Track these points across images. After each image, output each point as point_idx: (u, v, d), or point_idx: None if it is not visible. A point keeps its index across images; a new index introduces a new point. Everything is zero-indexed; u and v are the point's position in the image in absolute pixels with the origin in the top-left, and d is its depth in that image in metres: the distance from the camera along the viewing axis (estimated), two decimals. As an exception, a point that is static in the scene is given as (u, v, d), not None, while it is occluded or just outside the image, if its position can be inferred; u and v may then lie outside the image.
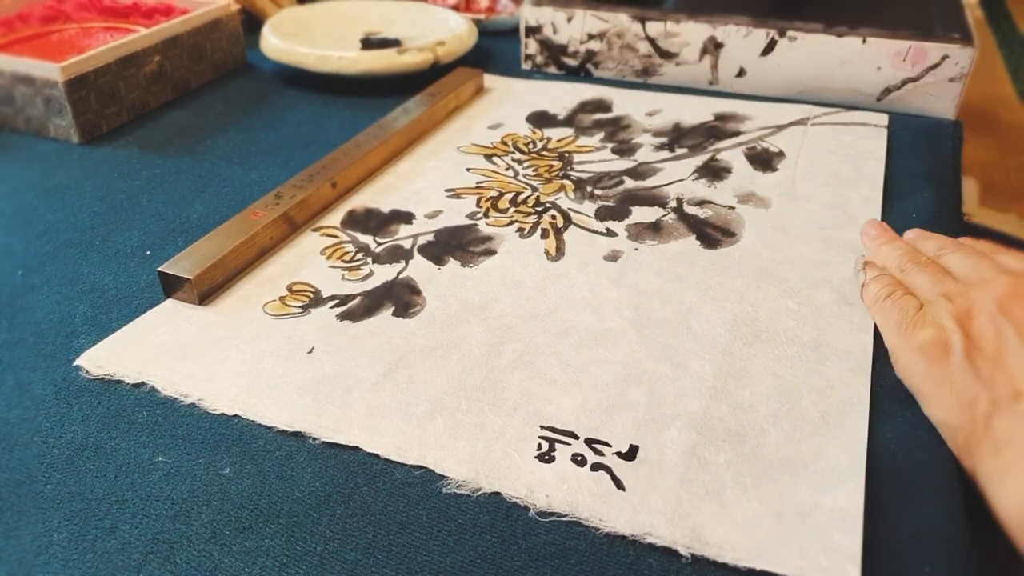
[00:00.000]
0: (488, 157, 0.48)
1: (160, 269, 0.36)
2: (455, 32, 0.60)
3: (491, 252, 0.39)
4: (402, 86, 0.57)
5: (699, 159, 0.47)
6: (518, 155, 0.48)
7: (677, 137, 0.50)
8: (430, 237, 0.40)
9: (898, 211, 0.42)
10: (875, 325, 0.34)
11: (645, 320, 0.34)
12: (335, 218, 0.42)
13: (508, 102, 0.55)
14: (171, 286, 0.36)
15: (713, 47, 0.56)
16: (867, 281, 0.35)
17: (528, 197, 0.44)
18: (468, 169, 0.47)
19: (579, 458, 0.28)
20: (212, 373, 0.32)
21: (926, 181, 0.45)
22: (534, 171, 0.47)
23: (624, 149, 0.49)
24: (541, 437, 0.29)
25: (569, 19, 0.58)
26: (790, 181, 0.45)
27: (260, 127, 0.53)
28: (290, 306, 0.36)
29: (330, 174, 0.43)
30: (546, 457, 0.28)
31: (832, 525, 0.25)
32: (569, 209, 0.43)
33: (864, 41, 0.52)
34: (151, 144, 0.51)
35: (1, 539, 0.26)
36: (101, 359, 0.33)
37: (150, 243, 0.41)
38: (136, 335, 0.34)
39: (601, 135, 0.51)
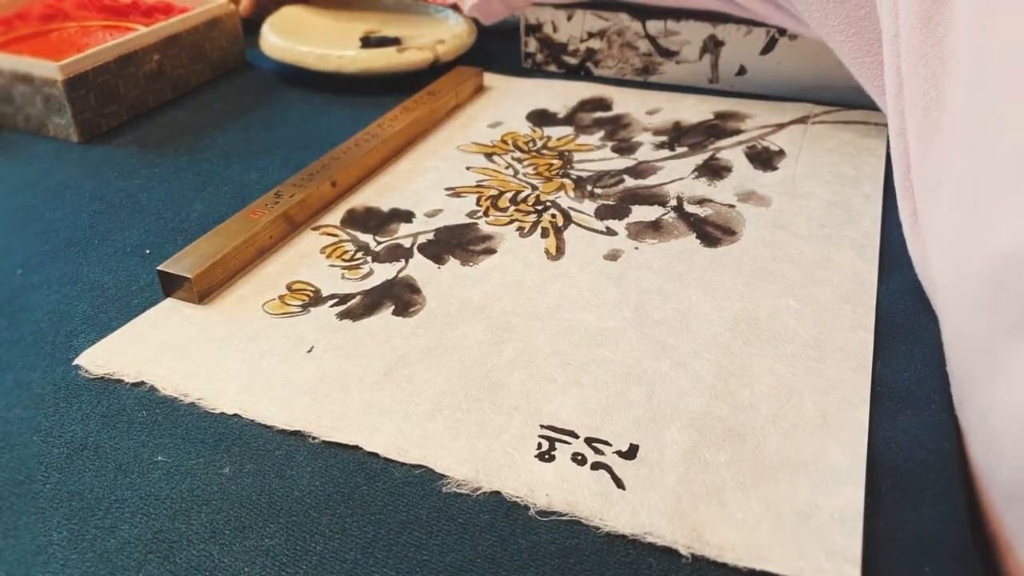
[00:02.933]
0: (488, 156, 0.48)
1: (160, 268, 0.36)
2: (455, 31, 0.60)
3: (491, 251, 0.39)
4: (402, 85, 0.57)
5: (699, 158, 0.47)
6: (518, 154, 0.48)
7: (677, 136, 0.50)
8: (430, 236, 0.40)
9: (898, 210, 0.42)
10: (875, 323, 0.34)
11: (645, 319, 0.34)
12: (335, 217, 0.42)
13: (508, 101, 0.55)
14: (171, 285, 0.36)
15: (713, 45, 0.56)
16: None
17: (528, 196, 0.44)
18: (468, 168, 0.47)
19: (579, 457, 0.28)
20: (212, 372, 0.32)
21: (927, 180, 0.45)
22: (534, 170, 0.47)
23: (624, 148, 0.49)
24: (541, 436, 0.29)
25: (569, 17, 0.58)
26: (790, 179, 0.45)
27: (259, 126, 0.53)
28: (290, 305, 0.35)
29: (330, 173, 0.43)
30: (546, 456, 0.28)
31: (832, 526, 0.25)
32: (569, 208, 0.43)
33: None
34: (150, 143, 0.51)
35: (0, 538, 0.26)
36: (100, 358, 0.33)
37: (150, 242, 0.41)
38: (136, 334, 0.34)
39: (601, 133, 0.51)
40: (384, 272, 0.38)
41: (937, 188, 0.31)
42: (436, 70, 0.57)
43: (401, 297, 0.36)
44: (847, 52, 0.43)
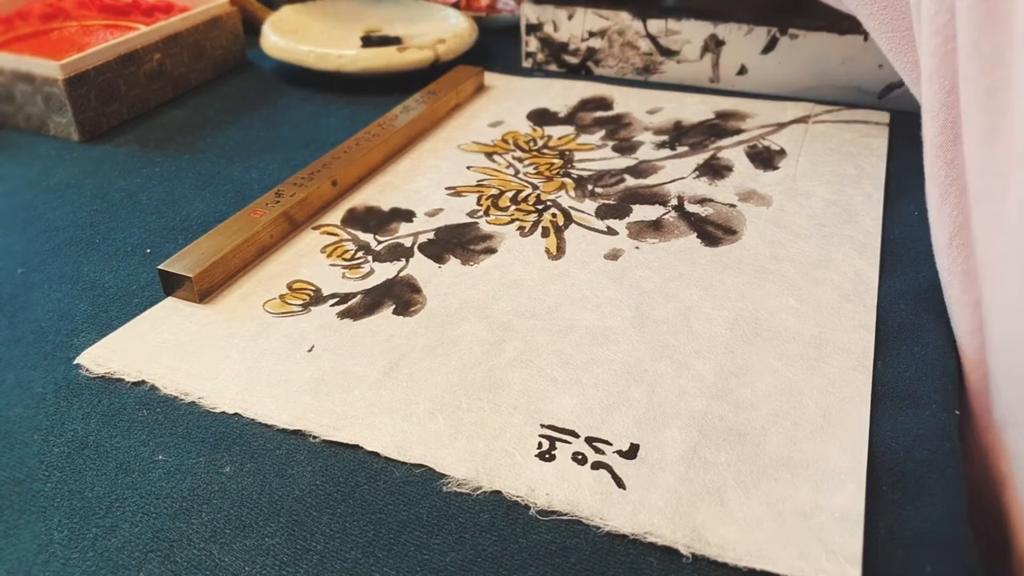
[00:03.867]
0: (489, 155, 0.48)
1: (160, 267, 0.36)
2: (456, 30, 0.60)
3: (491, 250, 0.39)
4: (402, 84, 0.57)
5: (700, 157, 0.47)
6: (519, 153, 0.48)
7: (678, 135, 0.50)
8: (430, 235, 0.40)
9: (899, 208, 0.42)
10: (876, 322, 0.33)
11: (646, 319, 0.34)
12: (335, 216, 0.42)
13: (509, 100, 0.55)
14: (171, 284, 0.36)
15: (714, 45, 0.55)
16: None
17: (529, 195, 0.44)
18: (468, 167, 0.47)
19: (580, 456, 0.28)
20: (212, 371, 0.32)
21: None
22: (535, 169, 0.47)
23: (625, 147, 0.49)
24: (542, 435, 0.28)
25: (570, 17, 0.58)
26: (791, 179, 0.45)
27: (260, 125, 0.53)
28: (290, 304, 0.35)
29: (330, 172, 0.43)
30: (546, 455, 0.28)
31: (833, 526, 0.25)
32: (570, 207, 0.43)
33: (866, 39, 0.51)
34: (151, 142, 0.51)
35: (1, 537, 0.26)
36: (101, 357, 0.33)
37: (150, 241, 0.41)
38: (136, 333, 0.34)
39: (602, 133, 0.51)
40: (385, 271, 0.38)
41: (1008, 169, 0.30)
42: (437, 69, 0.57)
43: (402, 296, 0.36)
44: (876, 26, 0.42)
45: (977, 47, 0.31)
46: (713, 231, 0.40)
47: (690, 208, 0.42)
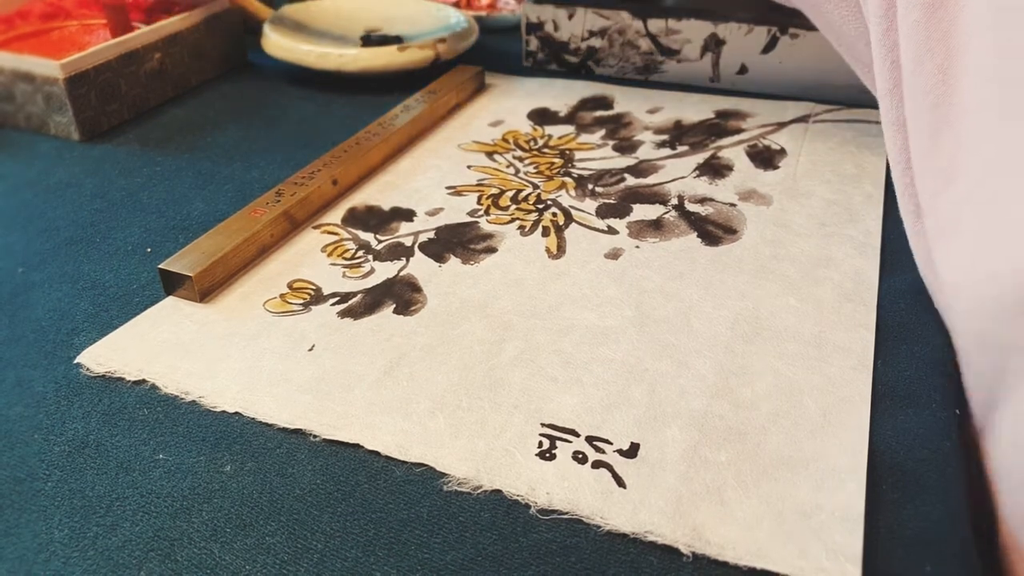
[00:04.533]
0: (489, 155, 0.48)
1: (161, 266, 0.36)
2: (456, 29, 0.60)
3: (492, 250, 0.39)
4: (403, 83, 0.57)
5: (700, 156, 0.47)
6: (519, 152, 0.48)
7: (678, 134, 0.50)
8: (431, 235, 0.40)
9: (899, 208, 0.42)
10: (876, 321, 0.34)
11: (646, 318, 0.34)
12: (336, 216, 0.42)
13: (509, 99, 0.55)
14: (172, 283, 0.36)
15: (714, 44, 0.56)
16: None
17: (529, 195, 0.44)
18: (469, 167, 0.47)
19: (580, 456, 0.28)
20: (213, 370, 0.32)
21: (928, 178, 0.44)
22: (535, 168, 0.47)
23: (625, 146, 0.49)
24: (542, 435, 0.29)
25: (570, 16, 0.58)
26: (792, 178, 0.45)
27: (260, 125, 0.53)
28: (291, 304, 0.36)
29: (331, 172, 0.43)
30: (547, 455, 0.28)
31: (833, 526, 0.25)
32: (570, 207, 0.43)
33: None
34: (151, 141, 0.51)
35: (2, 537, 0.26)
36: (102, 356, 0.33)
37: (151, 240, 0.41)
38: (137, 332, 0.34)
39: (602, 132, 0.51)
40: (385, 271, 0.38)
41: (948, 186, 0.30)
42: (437, 68, 0.57)
43: (402, 296, 0.36)
44: (824, 23, 0.41)
45: (920, 64, 0.31)
46: (713, 230, 0.40)
47: (690, 207, 0.42)
